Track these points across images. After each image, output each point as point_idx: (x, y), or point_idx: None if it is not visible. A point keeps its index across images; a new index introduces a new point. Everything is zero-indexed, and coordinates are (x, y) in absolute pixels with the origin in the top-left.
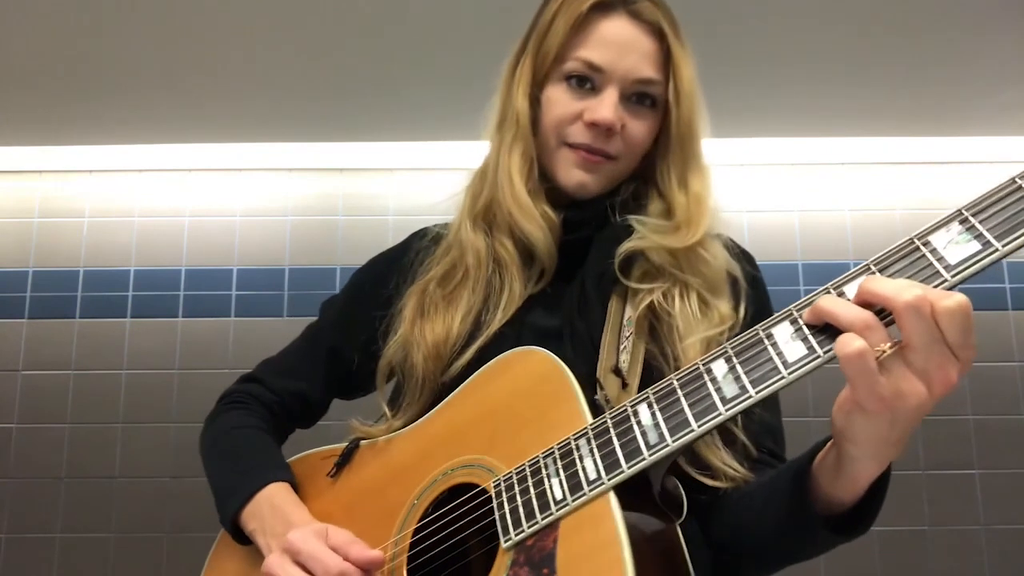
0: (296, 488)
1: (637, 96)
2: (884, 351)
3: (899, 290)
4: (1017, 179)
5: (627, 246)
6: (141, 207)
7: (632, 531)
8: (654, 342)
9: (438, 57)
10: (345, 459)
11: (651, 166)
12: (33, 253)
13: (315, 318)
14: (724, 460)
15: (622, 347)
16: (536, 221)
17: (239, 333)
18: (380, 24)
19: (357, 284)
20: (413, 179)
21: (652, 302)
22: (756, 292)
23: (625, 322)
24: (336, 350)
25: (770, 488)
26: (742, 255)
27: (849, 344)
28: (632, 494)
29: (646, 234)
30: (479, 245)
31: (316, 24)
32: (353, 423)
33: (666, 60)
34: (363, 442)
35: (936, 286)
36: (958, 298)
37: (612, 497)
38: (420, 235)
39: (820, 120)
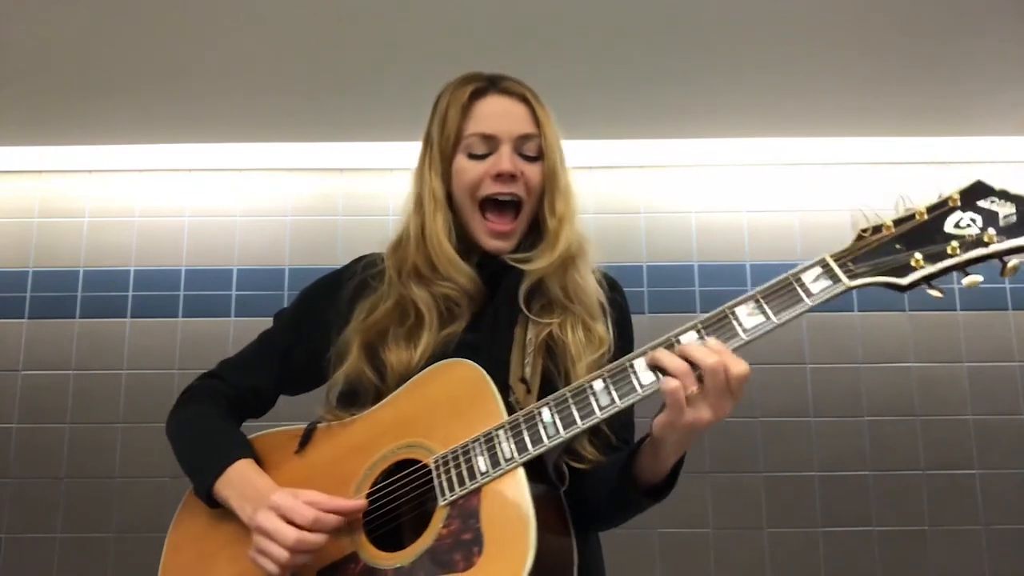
0: (259, 461)
1: (524, 152)
2: (692, 391)
3: (706, 355)
4: (790, 277)
5: (525, 284)
6: (141, 207)
7: (533, 493)
8: (551, 359)
9: (438, 58)
10: (307, 438)
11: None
12: (33, 253)
13: None
14: (586, 448)
15: (526, 362)
16: (466, 274)
17: (239, 333)
18: (380, 25)
19: (305, 298)
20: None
21: (551, 331)
22: (619, 315)
23: (527, 343)
24: (288, 352)
25: (608, 468)
26: (610, 285)
27: (669, 383)
28: (532, 469)
29: (529, 268)
30: (423, 296)
31: (316, 25)
32: (319, 411)
33: (535, 120)
34: (320, 425)
35: (733, 343)
36: (743, 366)
37: (521, 471)
38: (360, 260)
39: (821, 120)
